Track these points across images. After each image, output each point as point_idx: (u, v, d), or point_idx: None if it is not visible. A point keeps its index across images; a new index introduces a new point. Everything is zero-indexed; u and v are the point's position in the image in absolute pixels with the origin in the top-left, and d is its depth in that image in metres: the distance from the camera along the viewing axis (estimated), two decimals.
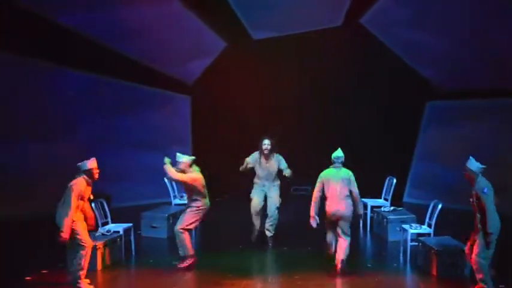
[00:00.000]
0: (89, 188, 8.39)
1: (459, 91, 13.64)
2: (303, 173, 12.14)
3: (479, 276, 7.84)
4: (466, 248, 8.20)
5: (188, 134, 14.32)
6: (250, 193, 10.83)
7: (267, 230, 10.67)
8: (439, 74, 13.71)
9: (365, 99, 14.18)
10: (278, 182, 10.78)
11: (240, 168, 10.64)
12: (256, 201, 10.70)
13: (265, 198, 10.78)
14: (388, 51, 13.55)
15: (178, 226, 9.19)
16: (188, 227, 9.24)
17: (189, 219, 9.22)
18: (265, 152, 10.52)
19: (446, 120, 13.97)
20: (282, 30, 13.69)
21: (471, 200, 7.94)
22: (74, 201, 8.09)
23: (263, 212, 10.80)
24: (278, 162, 10.66)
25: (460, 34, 12.45)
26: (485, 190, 7.75)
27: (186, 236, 9.18)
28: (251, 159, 10.70)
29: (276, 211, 10.64)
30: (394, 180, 11.46)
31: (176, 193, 11.81)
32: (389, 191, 11.47)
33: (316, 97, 14.19)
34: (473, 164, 7.92)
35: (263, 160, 10.59)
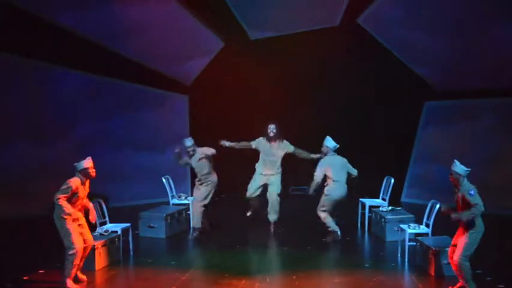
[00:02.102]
0: (84, 187, 8.47)
1: (457, 91, 13.66)
2: (301, 173, 12.15)
3: (462, 276, 7.94)
4: (450, 251, 8.23)
5: (186, 133, 14.27)
6: (247, 191, 11.07)
7: (270, 214, 11.14)
8: (436, 74, 13.72)
9: (362, 99, 14.19)
10: (280, 171, 11.13)
11: (235, 144, 11.05)
12: (251, 191, 11.15)
13: (264, 187, 11.18)
14: (386, 51, 13.55)
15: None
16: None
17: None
18: (271, 134, 10.90)
19: (444, 119, 13.99)
20: (279, 30, 13.68)
21: (456, 203, 8.08)
22: (64, 189, 8.20)
23: (259, 198, 11.23)
24: (285, 147, 11.05)
25: (457, 34, 12.45)
26: (472, 192, 7.89)
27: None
28: (254, 142, 11.12)
29: (278, 198, 11.06)
30: (392, 180, 11.45)
31: (174, 193, 11.80)
32: (387, 191, 11.45)
33: (313, 97, 14.20)
34: (459, 167, 8.01)
35: (269, 144, 10.97)
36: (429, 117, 14.28)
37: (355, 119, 14.34)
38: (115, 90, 13.49)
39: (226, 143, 11.02)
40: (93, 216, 8.68)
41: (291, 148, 11.08)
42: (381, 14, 12.91)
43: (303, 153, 11.06)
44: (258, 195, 11.20)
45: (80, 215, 8.47)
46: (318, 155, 10.85)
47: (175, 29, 13.01)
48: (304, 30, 13.65)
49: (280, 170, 11.15)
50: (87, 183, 8.55)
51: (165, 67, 13.76)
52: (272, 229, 11.13)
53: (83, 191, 8.44)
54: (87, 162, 8.46)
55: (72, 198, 8.29)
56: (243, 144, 11.17)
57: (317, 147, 11.42)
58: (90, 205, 8.65)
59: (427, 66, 13.67)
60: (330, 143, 10.60)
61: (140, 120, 13.73)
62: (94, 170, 8.50)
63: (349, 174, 10.60)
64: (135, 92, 13.74)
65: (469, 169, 8.06)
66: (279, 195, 11.11)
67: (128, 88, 13.64)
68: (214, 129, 13.82)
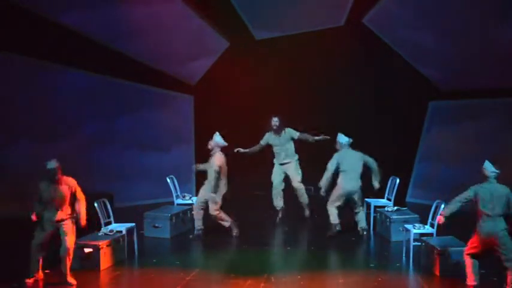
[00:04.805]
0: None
1: (462, 91, 13.63)
2: (306, 173, 12.13)
3: None
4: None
5: (191, 133, 14.32)
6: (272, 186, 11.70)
7: (301, 202, 11.75)
8: (441, 74, 13.69)
9: (367, 99, 14.18)
10: (296, 158, 11.71)
11: (249, 150, 11.56)
12: (276, 182, 11.67)
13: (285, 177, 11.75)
14: (391, 51, 13.54)
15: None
16: None
17: None
18: (274, 127, 11.50)
19: (449, 120, 13.96)
20: (284, 30, 13.69)
21: None
22: None
23: (283, 192, 11.74)
24: (290, 135, 11.61)
25: (463, 33, 12.42)
26: None
27: None
28: (262, 141, 11.72)
29: (300, 184, 11.63)
30: (397, 180, 11.43)
31: (179, 193, 11.81)
32: (393, 191, 11.44)
33: (317, 97, 14.18)
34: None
35: (276, 136, 11.52)
36: (434, 117, 14.25)
37: (360, 119, 14.31)
38: (120, 90, 13.49)
39: (241, 150, 11.56)
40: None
41: (296, 134, 11.58)
42: (386, 13, 12.89)
43: (307, 137, 11.56)
44: (282, 190, 11.70)
45: None
46: (320, 137, 11.36)
47: (181, 29, 13.02)
48: (309, 30, 13.66)
49: (296, 156, 11.72)
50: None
51: (170, 67, 13.76)
52: (307, 214, 11.84)
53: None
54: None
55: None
56: (253, 148, 11.69)
57: (320, 146, 11.45)
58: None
59: (432, 66, 13.65)
60: (342, 139, 10.84)
61: (145, 120, 13.73)
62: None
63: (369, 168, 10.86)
64: (140, 92, 13.74)
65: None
66: (300, 182, 11.64)
67: (133, 88, 13.64)
68: (219, 129, 13.83)
